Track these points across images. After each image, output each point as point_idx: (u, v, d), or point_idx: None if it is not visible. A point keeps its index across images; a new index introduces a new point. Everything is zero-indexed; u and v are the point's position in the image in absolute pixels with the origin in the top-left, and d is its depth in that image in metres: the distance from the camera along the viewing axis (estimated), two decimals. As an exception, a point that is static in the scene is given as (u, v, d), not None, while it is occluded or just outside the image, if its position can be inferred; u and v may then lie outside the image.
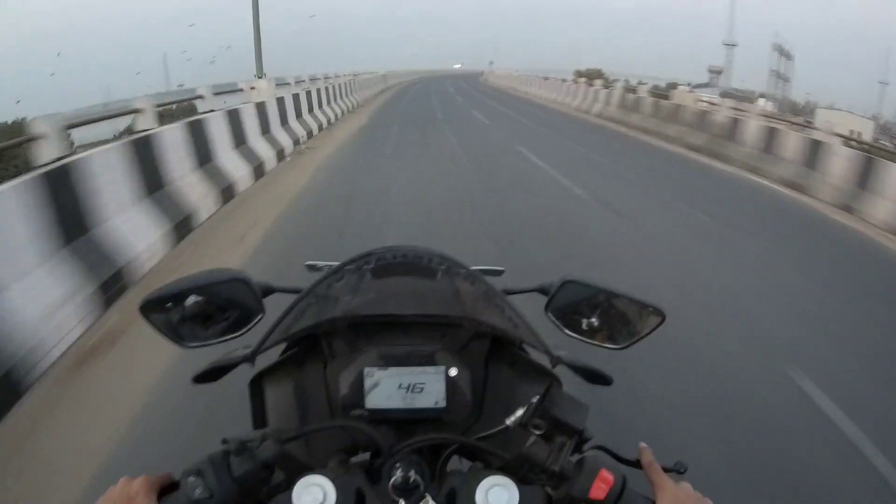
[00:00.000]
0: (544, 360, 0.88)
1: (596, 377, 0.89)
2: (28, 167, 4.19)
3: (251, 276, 0.89)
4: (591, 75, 38.38)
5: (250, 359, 0.84)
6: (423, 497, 0.71)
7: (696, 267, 5.33)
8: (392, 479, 0.72)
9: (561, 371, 0.87)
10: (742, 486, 2.48)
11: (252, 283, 0.89)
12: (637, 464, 0.77)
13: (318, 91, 15.42)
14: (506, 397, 0.89)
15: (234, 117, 8.19)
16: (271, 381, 0.93)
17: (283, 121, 11.16)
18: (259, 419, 0.92)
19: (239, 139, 8.16)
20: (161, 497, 0.71)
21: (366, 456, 0.84)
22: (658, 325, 0.89)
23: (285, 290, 0.96)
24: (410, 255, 0.86)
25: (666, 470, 0.76)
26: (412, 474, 0.72)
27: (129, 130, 6.55)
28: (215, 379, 0.89)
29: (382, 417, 0.83)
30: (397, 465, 0.73)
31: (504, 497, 0.69)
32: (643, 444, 0.77)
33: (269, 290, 0.95)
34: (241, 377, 0.91)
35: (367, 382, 0.83)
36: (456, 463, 0.84)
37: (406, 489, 0.72)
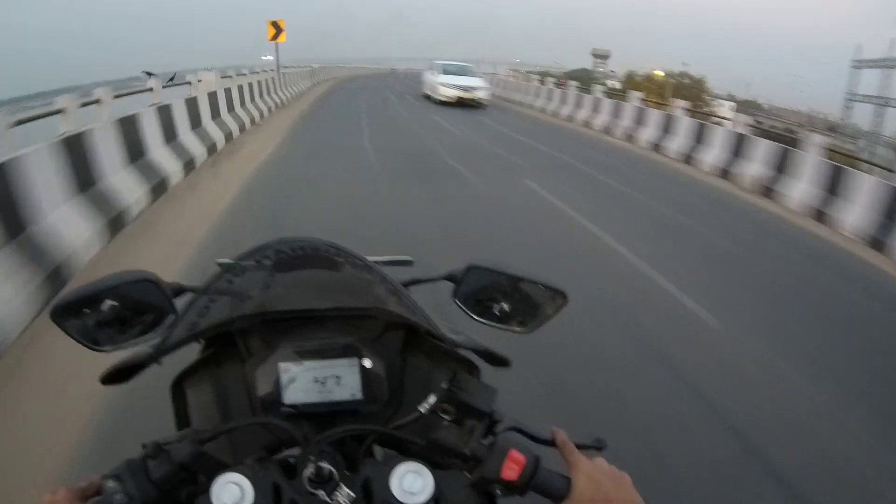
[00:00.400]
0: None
1: (495, 359, 0.92)
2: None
3: (160, 277, 0.88)
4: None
5: (155, 357, 0.83)
6: (337, 486, 0.71)
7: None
8: (307, 472, 0.72)
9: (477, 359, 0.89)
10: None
11: (161, 284, 0.87)
12: (552, 443, 0.78)
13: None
14: (423, 386, 0.90)
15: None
16: (192, 383, 0.92)
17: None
18: (182, 420, 0.92)
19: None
20: None
21: (291, 453, 0.84)
22: (562, 306, 0.92)
23: (195, 290, 0.96)
24: (309, 248, 0.86)
25: (583, 447, 0.77)
26: (324, 464, 0.72)
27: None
28: (125, 380, 0.88)
29: (301, 412, 0.83)
30: (310, 456, 0.74)
31: (419, 483, 0.71)
32: (555, 428, 0.79)
33: (180, 290, 0.93)
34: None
35: (284, 378, 0.83)
36: (381, 455, 0.85)
37: (321, 480, 0.72)
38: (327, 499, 0.71)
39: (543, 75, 32.62)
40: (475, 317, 0.94)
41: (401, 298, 0.86)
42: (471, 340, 0.89)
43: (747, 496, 2.57)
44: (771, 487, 2.61)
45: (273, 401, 0.84)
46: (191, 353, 0.93)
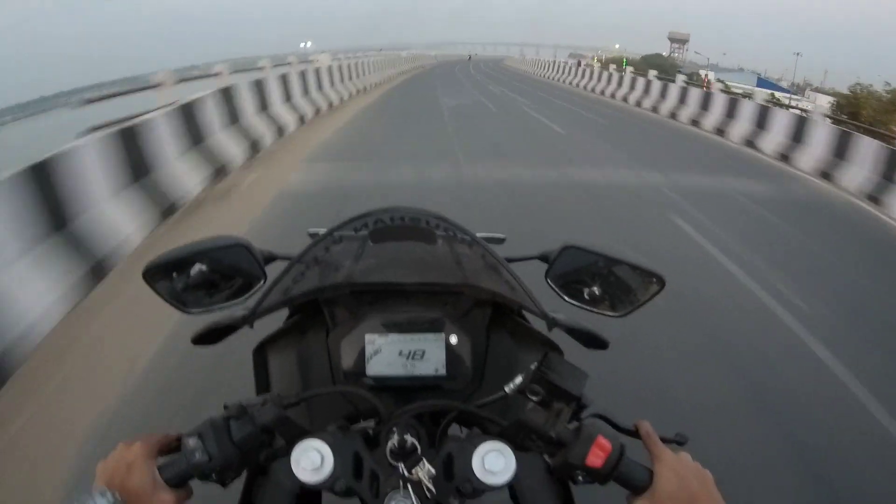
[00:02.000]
0: (545, 329, 0.89)
1: (592, 341, 0.91)
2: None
3: (253, 243, 0.92)
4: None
5: (249, 320, 0.86)
6: (419, 461, 0.72)
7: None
8: (389, 444, 0.74)
9: (562, 340, 0.88)
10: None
11: (254, 250, 0.91)
12: (636, 433, 0.78)
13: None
14: (506, 365, 0.91)
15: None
16: (274, 349, 0.96)
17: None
18: (262, 386, 0.95)
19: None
20: (160, 461, 0.73)
21: (369, 424, 0.86)
22: (658, 292, 0.90)
23: (287, 258, 0.99)
24: (409, 219, 0.87)
25: (665, 441, 0.77)
26: (409, 438, 0.73)
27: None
28: (215, 341, 0.92)
29: (383, 384, 0.85)
30: (394, 430, 0.75)
31: (500, 462, 0.71)
32: (639, 419, 0.78)
33: (271, 258, 0.97)
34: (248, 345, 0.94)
35: (369, 349, 0.85)
36: (456, 431, 0.86)
37: (403, 453, 0.73)
38: (408, 472, 0.72)
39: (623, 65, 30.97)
40: (566, 298, 0.93)
41: (500, 273, 0.87)
42: (570, 320, 0.89)
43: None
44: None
45: (356, 371, 0.86)
46: (272, 320, 0.95)
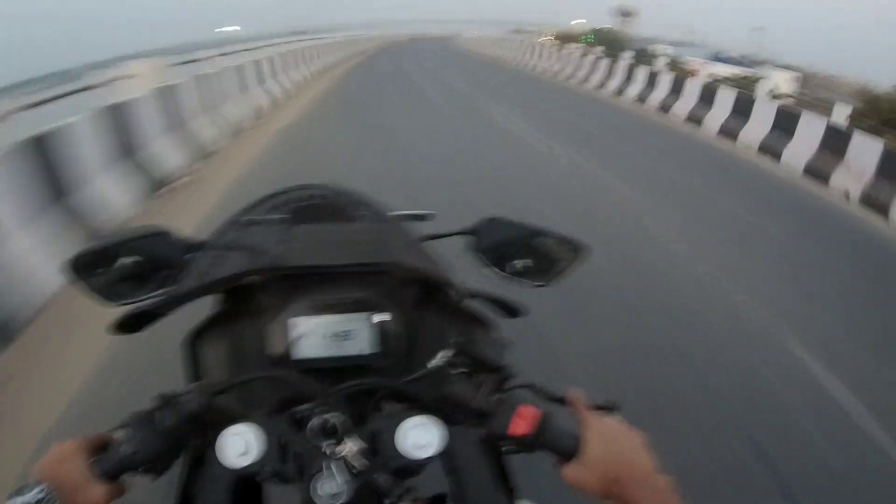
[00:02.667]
0: (472, 304, 0.91)
1: (509, 309, 0.93)
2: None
3: (172, 231, 0.91)
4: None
5: (166, 305, 0.85)
6: (342, 438, 0.73)
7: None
8: (311, 424, 0.75)
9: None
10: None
11: (173, 237, 0.91)
12: (564, 401, 0.79)
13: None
14: (435, 341, 0.92)
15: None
16: (206, 338, 0.95)
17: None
18: (192, 377, 0.94)
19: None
20: (94, 458, 0.73)
21: (304, 408, 0.86)
22: (578, 259, 0.94)
23: (207, 242, 0.98)
24: (323, 198, 0.87)
25: (597, 408, 0.78)
26: (331, 417, 0.74)
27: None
28: (137, 329, 0.91)
29: (313, 367, 0.86)
30: (316, 409, 0.76)
31: (427, 436, 0.72)
32: (571, 388, 0.79)
33: (195, 245, 0.96)
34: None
35: (295, 332, 0.86)
36: (392, 410, 0.87)
37: (326, 433, 0.74)
38: (333, 450, 0.72)
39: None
40: (492, 268, 0.96)
41: (419, 251, 0.89)
42: (484, 291, 0.91)
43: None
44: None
45: (285, 355, 0.86)
46: (203, 310, 0.95)
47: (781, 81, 19.14)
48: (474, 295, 0.89)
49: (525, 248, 0.96)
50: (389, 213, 0.90)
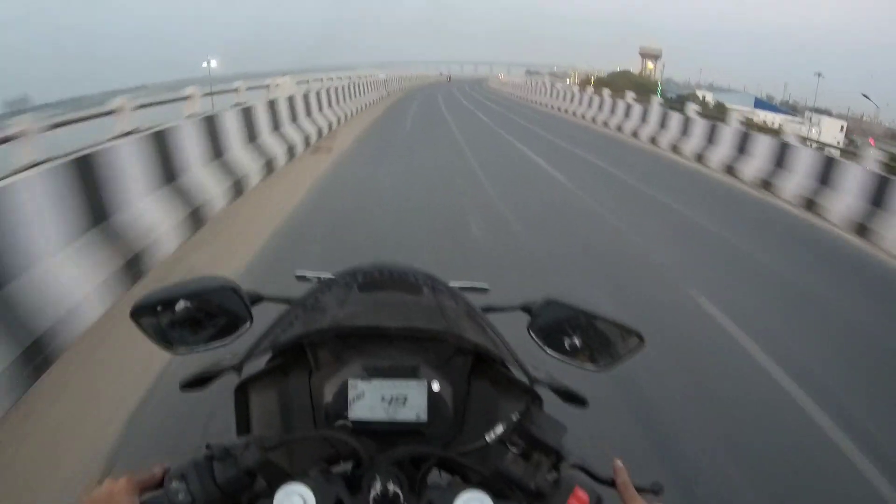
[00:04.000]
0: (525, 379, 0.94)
1: (572, 398, 0.96)
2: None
3: (240, 286, 0.97)
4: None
5: (237, 368, 0.91)
6: None
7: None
8: (372, 490, 0.77)
9: (541, 389, 0.93)
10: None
11: (241, 292, 0.96)
12: (613, 484, 0.82)
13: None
14: (487, 413, 0.96)
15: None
16: (256, 389, 0.99)
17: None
18: (243, 426, 0.99)
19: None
20: (143, 498, 0.76)
21: (347, 467, 0.89)
22: (637, 349, 0.96)
23: (274, 300, 1.03)
24: (397, 273, 0.93)
25: (641, 490, 0.81)
26: (391, 486, 0.76)
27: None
28: (202, 386, 0.96)
29: (365, 429, 0.89)
30: (377, 476, 0.78)
31: None
32: (618, 463, 0.83)
33: (257, 299, 1.02)
34: (229, 383, 0.98)
35: (351, 393, 0.89)
36: (436, 477, 0.90)
37: (385, 500, 0.76)
38: None
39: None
40: (548, 351, 0.99)
41: (483, 328, 0.92)
42: (549, 377, 0.94)
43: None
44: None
45: (338, 415, 0.90)
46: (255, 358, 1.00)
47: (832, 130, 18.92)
48: (539, 381, 0.92)
49: (582, 331, 0.98)
50: (449, 287, 0.95)
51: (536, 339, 0.99)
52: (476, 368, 0.98)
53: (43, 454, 2.77)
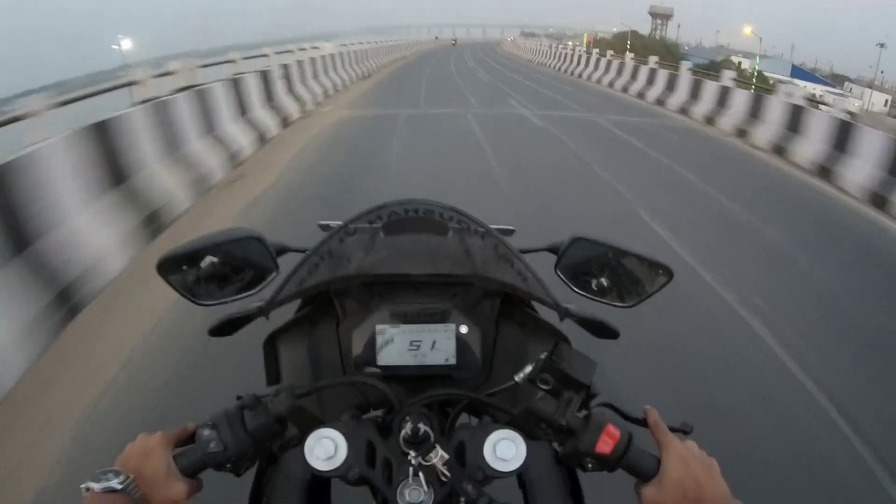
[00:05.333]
0: (553, 319, 0.96)
1: (603, 330, 0.98)
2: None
3: (266, 236, 0.99)
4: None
5: (265, 311, 0.93)
6: (433, 448, 0.78)
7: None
8: (402, 432, 0.79)
9: (569, 331, 0.94)
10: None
11: (266, 242, 0.98)
12: (643, 423, 0.84)
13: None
14: (515, 355, 0.98)
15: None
16: (285, 340, 1.03)
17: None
18: (273, 377, 1.02)
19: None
20: (176, 451, 0.80)
21: (378, 413, 0.93)
22: (666, 283, 0.97)
23: (299, 250, 1.06)
24: (422, 210, 0.94)
25: (671, 430, 0.83)
26: (422, 427, 0.79)
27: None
28: (230, 333, 0.99)
29: (394, 374, 0.92)
30: (407, 418, 0.80)
31: (512, 450, 0.76)
32: (648, 406, 0.84)
33: (283, 250, 1.04)
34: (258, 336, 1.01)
35: (379, 340, 0.92)
36: (465, 420, 0.92)
37: (416, 441, 0.79)
38: (421, 460, 0.77)
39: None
40: (576, 289, 1.00)
41: (514, 264, 0.93)
42: (581, 310, 0.95)
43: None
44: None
45: (367, 362, 0.92)
46: (281, 310, 1.01)
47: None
48: (573, 315, 0.93)
49: (609, 268, 0.99)
50: (477, 224, 0.94)
51: (564, 279, 1.00)
52: (504, 311, 1.00)
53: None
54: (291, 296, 0.93)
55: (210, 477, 0.83)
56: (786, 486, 2.42)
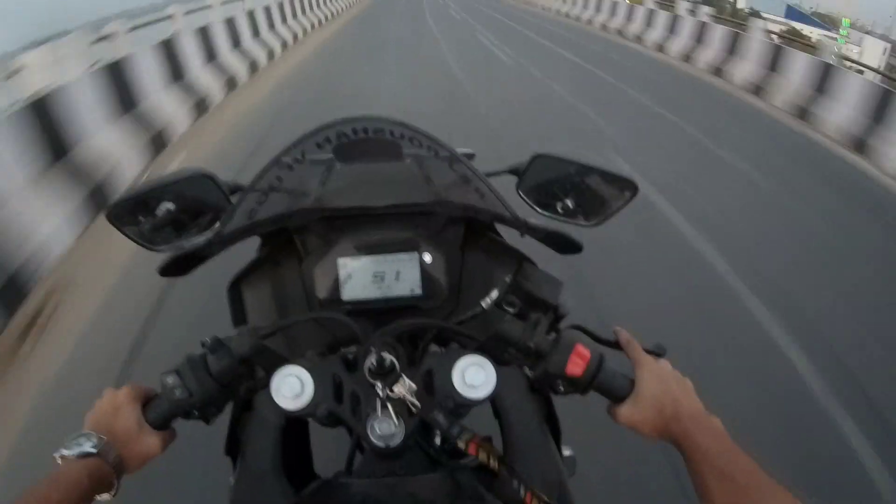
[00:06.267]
0: (518, 243, 0.94)
1: (566, 245, 0.96)
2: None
3: (215, 174, 0.95)
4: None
5: (212, 246, 0.90)
6: (399, 378, 0.76)
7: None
8: (367, 364, 0.77)
9: (535, 253, 0.92)
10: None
11: (218, 180, 0.95)
12: (615, 344, 0.83)
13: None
14: (481, 281, 0.97)
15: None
16: (249, 282, 1.01)
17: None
18: (239, 321, 1.00)
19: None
20: (144, 407, 0.79)
21: (349, 350, 0.90)
22: (631, 198, 0.95)
23: (252, 184, 1.02)
24: (372, 130, 0.88)
25: (645, 352, 0.81)
26: (387, 356, 0.77)
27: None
28: (184, 272, 0.96)
29: (360, 308, 0.91)
30: (371, 349, 0.78)
31: (481, 376, 0.75)
32: (617, 327, 0.83)
33: (236, 188, 1.00)
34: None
35: (342, 273, 0.91)
36: (437, 351, 0.91)
37: (382, 373, 0.77)
38: (389, 391, 0.75)
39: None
40: (539, 210, 0.98)
41: (470, 185, 0.91)
42: (542, 223, 0.93)
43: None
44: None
45: (332, 297, 0.91)
46: (246, 254, 1.00)
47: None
48: (533, 228, 0.91)
49: (572, 186, 0.97)
50: (436, 144, 0.89)
51: (527, 200, 0.98)
52: (468, 238, 0.98)
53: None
54: (241, 230, 0.91)
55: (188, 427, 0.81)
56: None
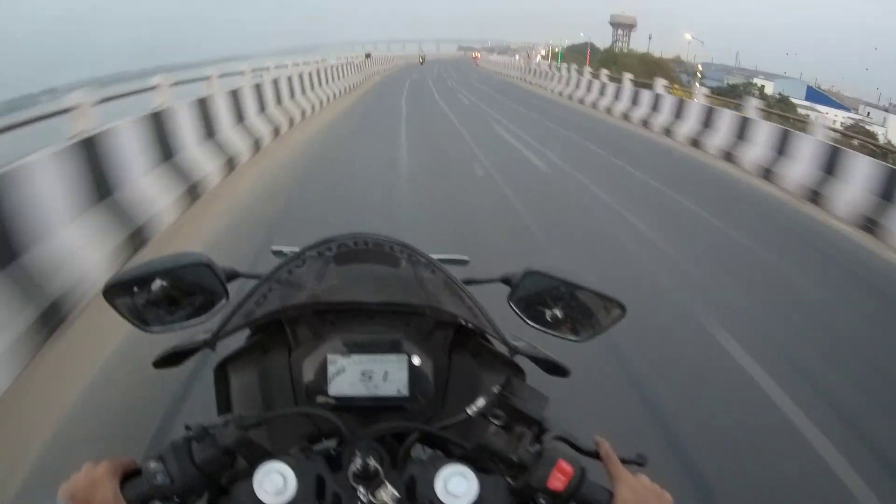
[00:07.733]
0: (507, 351, 0.98)
1: (553, 368, 1.00)
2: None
3: (215, 261, 1.00)
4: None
5: (210, 343, 0.95)
6: (382, 484, 0.79)
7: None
8: (352, 467, 0.80)
9: (522, 362, 0.96)
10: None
11: (216, 268, 1.00)
12: (596, 455, 0.85)
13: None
14: (469, 387, 1.00)
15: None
16: (236, 368, 1.04)
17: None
18: (224, 405, 1.03)
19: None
20: (123, 483, 0.80)
21: (330, 444, 0.92)
22: (619, 318, 1.00)
23: (250, 276, 1.08)
24: (372, 243, 0.97)
25: (625, 462, 0.84)
26: (371, 461, 0.80)
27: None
28: (176, 363, 1.00)
29: (346, 405, 0.93)
30: (356, 452, 0.81)
31: (463, 486, 0.77)
32: (598, 438, 0.86)
33: (233, 275, 1.06)
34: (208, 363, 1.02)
35: (331, 369, 0.93)
36: (419, 452, 0.94)
37: (366, 476, 0.79)
38: (371, 497, 0.78)
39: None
40: (529, 322, 1.03)
41: (462, 299, 0.96)
42: (531, 347, 0.98)
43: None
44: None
45: (318, 391, 0.94)
46: (234, 337, 1.03)
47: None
48: (521, 352, 0.96)
49: (563, 302, 1.02)
50: (427, 258, 0.97)
51: (517, 311, 1.03)
52: (457, 342, 1.02)
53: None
54: (238, 326, 0.95)
55: None
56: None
